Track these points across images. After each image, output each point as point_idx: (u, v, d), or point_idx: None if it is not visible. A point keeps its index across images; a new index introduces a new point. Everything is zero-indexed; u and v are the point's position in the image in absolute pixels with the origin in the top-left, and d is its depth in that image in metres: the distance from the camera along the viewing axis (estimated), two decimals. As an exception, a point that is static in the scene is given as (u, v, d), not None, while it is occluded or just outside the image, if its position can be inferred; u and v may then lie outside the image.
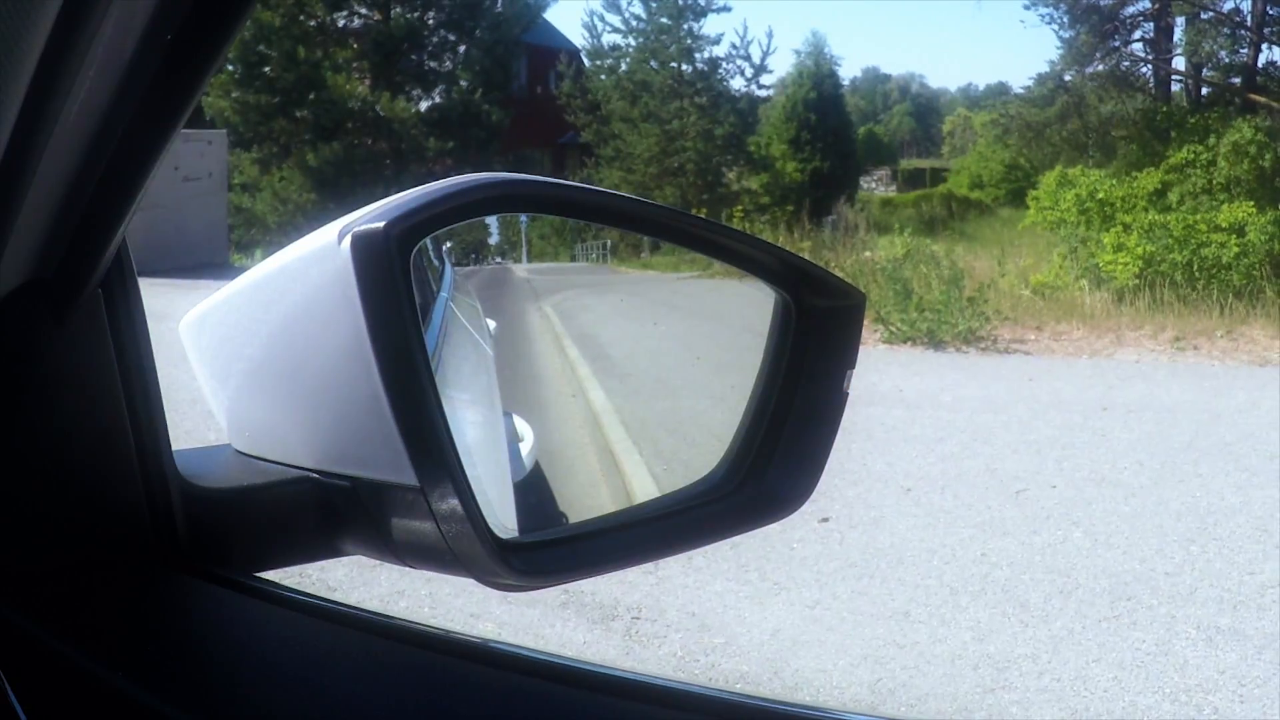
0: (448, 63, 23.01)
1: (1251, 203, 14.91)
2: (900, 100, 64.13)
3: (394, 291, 0.67)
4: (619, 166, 22.67)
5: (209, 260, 15.83)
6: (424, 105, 22.91)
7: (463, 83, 22.91)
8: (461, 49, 23.13)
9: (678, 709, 0.65)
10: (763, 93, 25.83)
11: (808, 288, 0.86)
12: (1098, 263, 14.35)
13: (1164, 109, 19.17)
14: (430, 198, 0.70)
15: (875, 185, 38.95)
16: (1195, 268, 13.80)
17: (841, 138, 30.07)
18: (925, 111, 60.20)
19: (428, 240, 0.74)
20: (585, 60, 24.20)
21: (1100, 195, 15.96)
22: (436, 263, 0.97)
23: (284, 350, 0.76)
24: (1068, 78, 20.09)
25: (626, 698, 0.66)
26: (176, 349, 0.87)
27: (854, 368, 0.84)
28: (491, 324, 1.10)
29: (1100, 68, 19.54)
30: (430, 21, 22.68)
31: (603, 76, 23.68)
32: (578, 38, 24.96)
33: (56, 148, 0.58)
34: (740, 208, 21.73)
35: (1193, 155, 16.52)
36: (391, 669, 0.70)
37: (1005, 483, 5.79)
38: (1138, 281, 13.64)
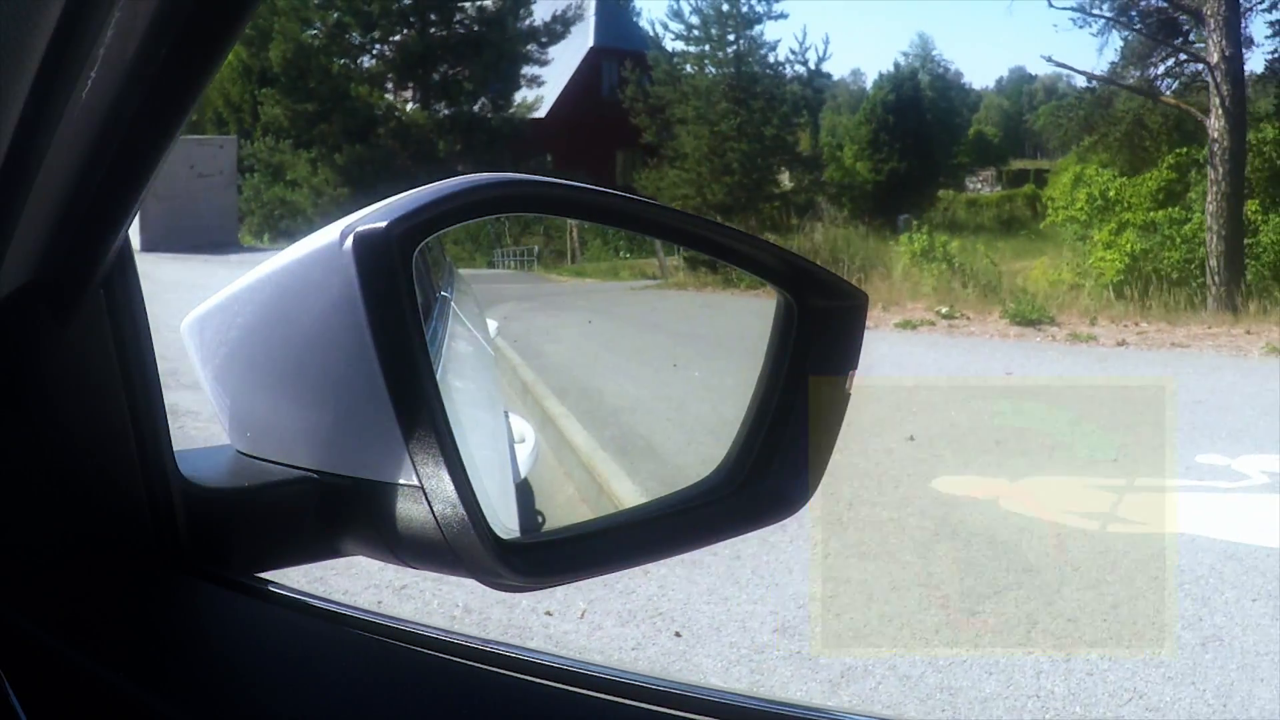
0: (459, 76, 25.94)
1: (1256, 202, 14.83)
2: (1045, 100, 62.99)
3: (395, 291, 0.67)
4: (677, 166, 24.98)
5: (219, 240, 19.48)
6: (441, 114, 25.89)
7: (471, 92, 25.89)
8: (482, 57, 25.74)
9: (678, 709, 0.64)
10: (818, 95, 27.22)
11: (810, 288, 0.85)
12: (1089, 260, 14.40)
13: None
14: (433, 197, 0.70)
15: (980, 185, 38.91)
16: (1193, 265, 13.77)
17: (922, 139, 30.87)
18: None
19: (434, 237, 0.74)
20: (649, 65, 25.90)
21: (1111, 194, 15.91)
22: (440, 261, 0.97)
23: (285, 350, 0.76)
24: (1129, 80, 20.23)
25: (626, 698, 0.66)
26: (185, 314, 0.86)
27: (856, 368, 0.84)
28: (493, 324, 1.09)
29: (1145, 71, 19.60)
30: (448, 39, 25.65)
31: (663, 82, 25.53)
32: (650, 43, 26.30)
33: (59, 148, 0.58)
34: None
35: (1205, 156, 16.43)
36: (391, 669, 0.70)
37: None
38: (1123, 279, 13.68)
